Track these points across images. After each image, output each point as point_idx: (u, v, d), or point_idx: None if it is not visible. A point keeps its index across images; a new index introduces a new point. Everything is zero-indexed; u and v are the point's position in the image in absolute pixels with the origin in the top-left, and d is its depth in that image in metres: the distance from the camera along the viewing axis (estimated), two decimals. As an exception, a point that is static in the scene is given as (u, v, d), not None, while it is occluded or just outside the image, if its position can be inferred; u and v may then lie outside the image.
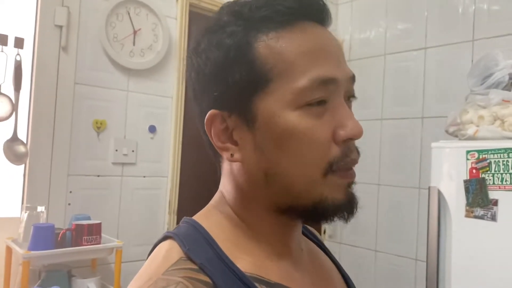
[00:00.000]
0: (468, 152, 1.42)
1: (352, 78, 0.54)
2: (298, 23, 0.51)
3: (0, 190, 1.63)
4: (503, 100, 1.52)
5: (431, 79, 2.23)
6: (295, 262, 0.57)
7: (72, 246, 1.52)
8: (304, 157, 0.50)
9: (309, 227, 0.73)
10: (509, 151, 1.33)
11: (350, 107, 0.55)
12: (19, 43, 1.61)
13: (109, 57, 1.82)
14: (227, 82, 0.52)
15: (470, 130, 1.52)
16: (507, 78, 1.59)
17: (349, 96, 0.55)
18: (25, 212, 1.52)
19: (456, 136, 1.62)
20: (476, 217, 1.38)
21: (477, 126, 1.51)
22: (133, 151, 1.90)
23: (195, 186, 2.12)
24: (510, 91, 1.56)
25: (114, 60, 1.83)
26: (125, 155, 1.87)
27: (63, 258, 1.50)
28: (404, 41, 2.37)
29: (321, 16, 0.54)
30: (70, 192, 1.73)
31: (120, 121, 1.87)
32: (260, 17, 0.51)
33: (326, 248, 0.70)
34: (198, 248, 0.51)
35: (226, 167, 0.58)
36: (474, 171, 1.40)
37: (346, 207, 0.53)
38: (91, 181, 1.79)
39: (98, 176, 1.81)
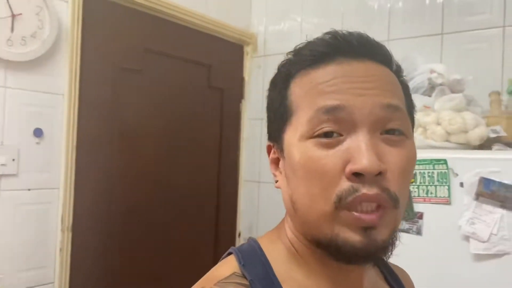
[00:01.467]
0: (393, 162, 1.36)
1: (383, 106, 0.51)
2: (328, 61, 0.54)
3: None
4: (424, 106, 1.48)
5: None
6: None
7: None
8: (314, 187, 0.51)
9: (398, 269, 0.71)
10: (435, 162, 1.28)
11: (391, 141, 0.51)
12: None
13: (-22, 46, 1.47)
14: (271, 117, 0.59)
15: (393, 137, 1.46)
16: (426, 83, 1.56)
17: (389, 129, 0.51)
18: None
19: (377, 142, 1.56)
20: (401, 231, 1.32)
21: (400, 133, 1.45)
22: (13, 159, 1.57)
23: (94, 197, 1.84)
24: (430, 96, 1.52)
25: (-14, 50, 1.49)
26: (3, 165, 1.55)
27: None
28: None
29: (358, 51, 0.54)
30: None
31: (-5, 124, 1.54)
32: (299, 58, 0.56)
33: None
34: (253, 265, 0.54)
35: None
36: (399, 182, 1.34)
37: (364, 253, 0.50)
38: (-43, 199, 1.45)
39: (-33, 192, 1.47)
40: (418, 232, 1.30)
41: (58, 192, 1.72)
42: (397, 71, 0.57)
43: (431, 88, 1.56)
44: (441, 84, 1.54)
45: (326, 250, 0.53)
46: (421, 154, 1.32)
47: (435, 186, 1.27)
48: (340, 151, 0.50)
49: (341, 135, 0.51)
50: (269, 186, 2.46)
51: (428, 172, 1.29)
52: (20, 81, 1.60)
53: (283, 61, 0.60)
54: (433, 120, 1.41)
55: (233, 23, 2.45)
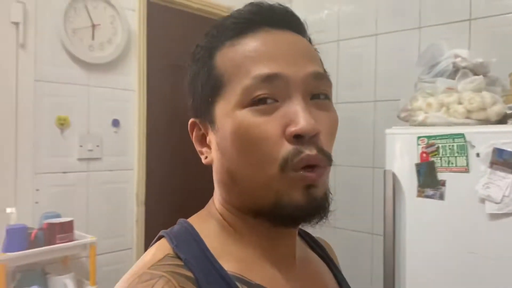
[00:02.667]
0: (418, 138, 1.55)
1: (313, 75, 0.53)
2: (254, 30, 0.54)
3: (-36, 193, 1.60)
4: (447, 88, 1.67)
5: (383, 64, 2.36)
6: (283, 268, 0.57)
7: (45, 245, 1.53)
8: (255, 154, 0.51)
9: (320, 238, 0.73)
10: (454, 136, 1.47)
11: (320, 105, 0.54)
12: (-27, 41, 1.56)
13: (68, 53, 1.80)
14: (196, 92, 0.57)
15: (420, 116, 1.66)
16: (451, 67, 1.74)
17: (316, 94, 0.54)
18: (-6, 214, 1.52)
19: (407, 121, 1.75)
20: (426, 196, 1.53)
21: (426, 112, 1.65)
22: (97, 146, 1.90)
23: (163, 177, 2.16)
24: (454, 79, 1.70)
25: (74, 55, 1.81)
26: (90, 150, 1.88)
27: (38, 258, 1.52)
28: (356, 27, 2.48)
29: (278, 21, 0.55)
30: (37, 190, 1.73)
31: (83, 116, 1.87)
32: (221, 30, 0.56)
33: (331, 262, 0.69)
34: (186, 245, 0.53)
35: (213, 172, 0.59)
36: (424, 155, 1.54)
37: (308, 212, 0.52)
38: (57, 178, 1.79)
39: (64, 172, 1.81)
40: (441, 197, 1.50)
41: (132, 173, 2.04)
42: (310, 41, 0.60)
43: (455, 72, 1.73)
44: (464, 68, 1.72)
45: (266, 217, 0.53)
46: (442, 130, 1.52)
47: (455, 157, 1.47)
48: (278, 116, 0.51)
49: (276, 101, 0.51)
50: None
51: (449, 145, 1.48)
52: (100, 80, 1.92)
53: (203, 38, 0.59)
54: (455, 100, 1.60)
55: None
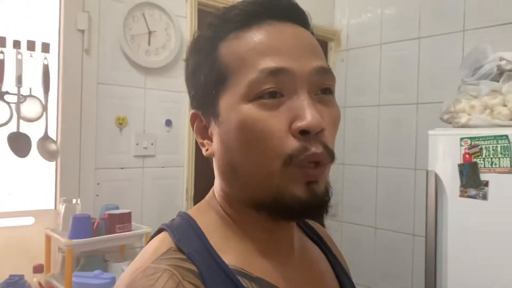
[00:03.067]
0: (461, 139, 1.59)
1: (319, 70, 0.53)
2: (259, 23, 0.53)
3: (35, 185, 1.77)
4: (492, 91, 1.69)
5: (425, 67, 2.38)
6: (282, 260, 0.58)
7: (106, 234, 1.67)
8: (259, 149, 0.51)
9: (314, 223, 0.73)
10: (498, 138, 1.50)
11: (324, 100, 0.54)
12: (45, 48, 1.72)
13: (127, 58, 1.95)
14: (198, 83, 0.56)
15: (463, 118, 1.69)
16: (495, 69, 1.76)
17: (320, 89, 0.54)
18: (62, 204, 1.67)
19: (450, 123, 1.78)
20: (469, 196, 1.56)
21: (469, 114, 1.68)
22: (152, 144, 2.04)
23: (210, 174, 2.27)
24: (498, 81, 1.72)
25: (132, 60, 1.95)
26: (145, 148, 2.02)
27: (99, 245, 1.66)
28: (399, 30, 2.51)
29: (283, 14, 0.54)
30: (98, 184, 1.88)
31: (139, 116, 2.01)
32: (224, 21, 0.55)
33: (327, 248, 0.69)
34: (188, 239, 0.53)
35: (213, 164, 0.60)
36: (467, 156, 1.57)
37: (310, 206, 0.52)
38: (116, 173, 1.94)
39: (122, 168, 1.96)
40: (484, 197, 1.53)
41: (183, 170, 2.17)
42: (313, 34, 0.58)
43: (499, 74, 1.75)
44: (509, 70, 1.73)
45: (267, 210, 0.53)
46: (485, 131, 1.55)
47: (499, 158, 1.50)
48: (284, 111, 0.51)
49: (282, 95, 0.51)
50: (353, 168, 2.73)
51: (493, 147, 1.51)
52: (155, 83, 2.06)
53: (203, 28, 0.58)
54: (500, 102, 1.62)
55: (318, 23, 2.75)
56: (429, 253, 1.65)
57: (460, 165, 1.59)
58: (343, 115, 2.77)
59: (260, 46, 0.52)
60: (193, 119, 0.59)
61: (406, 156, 2.45)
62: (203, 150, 0.58)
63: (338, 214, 2.82)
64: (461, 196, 1.58)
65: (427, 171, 1.66)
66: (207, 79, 0.55)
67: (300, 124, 0.50)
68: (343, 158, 2.78)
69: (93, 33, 1.85)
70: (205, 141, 0.58)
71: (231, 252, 0.54)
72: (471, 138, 1.56)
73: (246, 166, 0.53)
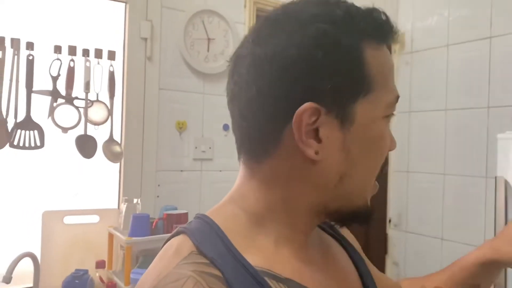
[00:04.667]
0: (534, 142, 1.46)
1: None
2: (385, 43, 0.56)
3: (101, 185, 1.87)
4: None
5: (497, 68, 2.23)
6: (309, 260, 0.57)
7: (164, 233, 1.72)
8: (378, 163, 0.57)
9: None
10: None
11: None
12: (111, 55, 1.83)
13: (187, 64, 2.01)
14: (328, 78, 0.50)
15: (537, 120, 1.55)
16: None
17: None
18: (124, 204, 1.75)
19: (523, 126, 1.65)
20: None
21: (545, 116, 1.54)
22: (210, 148, 2.09)
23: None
24: None
25: (192, 66, 2.02)
26: (203, 151, 2.07)
27: (157, 243, 1.71)
28: (468, 31, 2.37)
29: (394, 39, 0.56)
30: (158, 185, 1.95)
31: (198, 121, 2.06)
32: (365, 25, 0.52)
33: (345, 241, 0.70)
34: (209, 241, 0.51)
35: (275, 167, 0.55)
36: (541, 161, 1.44)
37: (370, 214, 0.59)
38: (175, 175, 2.00)
39: (181, 171, 2.02)
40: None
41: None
42: None
43: None
44: None
45: (342, 217, 0.58)
46: None
47: None
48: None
49: None
50: (418, 175, 2.61)
51: None
52: (213, 88, 2.11)
53: (336, 18, 0.52)
54: None
55: (381, 26, 2.68)
56: (499, 266, 1.53)
57: (533, 171, 1.46)
58: (408, 120, 2.67)
59: (389, 69, 0.56)
60: (307, 112, 0.50)
61: (476, 163, 2.29)
62: (309, 151, 0.51)
63: (402, 224, 2.70)
64: (534, 204, 1.45)
65: (496, 177, 1.54)
66: (346, 79, 0.51)
67: (392, 147, 0.59)
68: (407, 165, 2.67)
69: (155, 41, 1.94)
70: (313, 142, 0.51)
71: (257, 253, 0.52)
72: (546, 142, 1.43)
73: (359, 178, 0.55)
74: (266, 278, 0.50)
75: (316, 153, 0.52)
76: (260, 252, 0.52)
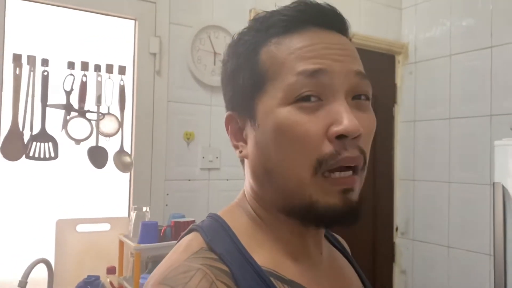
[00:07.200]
0: (530, 149, 1.49)
1: (357, 73, 0.53)
2: (301, 29, 0.54)
3: (111, 194, 1.95)
4: None
5: (499, 76, 2.26)
6: (312, 264, 0.58)
7: (172, 240, 1.79)
8: (294, 153, 0.51)
9: (336, 234, 0.73)
10: None
11: (361, 106, 0.54)
12: (122, 70, 1.91)
13: (194, 77, 2.09)
14: (236, 86, 0.57)
15: (534, 128, 1.58)
16: None
17: (357, 95, 0.54)
18: (134, 212, 1.82)
19: (521, 133, 1.68)
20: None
21: (541, 124, 1.57)
22: (217, 157, 2.15)
23: (272, 188, 2.32)
24: None
25: (199, 79, 2.09)
26: (210, 161, 2.13)
27: (166, 250, 1.77)
28: (470, 40, 2.41)
29: (326, 22, 0.55)
30: (167, 194, 2.02)
31: (205, 132, 2.13)
32: (267, 26, 0.56)
33: (351, 257, 0.70)
34: (219, 239, 0.53)
35: (245, 166, 0.61)
36: (536, 167, 1.48)
37: (344, 215, 0.52)
38: (183, 184, 2.07)
39: (189, 180, 2.08)
40: (557, 212, 1.42)
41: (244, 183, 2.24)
42: (350, 41, 0.59)
43: None
44: None
45: (299, 217, 0.54)
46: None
47: None
48: (322, 115, 0.51)
49: (320, 99, 0.51)
50: (424, 184, 2.63)
51: None
52: (220, 100, 2.17)
53: (244, 30, 0.59)
54: None
55: (385, 36, 2.73)
56: (498, 272, 1.55)
57: (529, 177, 1.49)
58: (413, 129, 2.71)
59: (299, 51, 0.52)
60: (228, 121, 0.61)
61: (481, 170, 2.31)
62: (237, 152, 0.59)
63: (409, 232, 2.72)
64: (531, 210, 1.48)
65: (493, 184, 1.57)
66: (246, 82, 0.56)
67: (337, 128, 0.50)
68: (413, 173, 2.69)
69: (164, 56, 2.02)
70: (240, 143, 0.59)
71: (263, 254, 0.54)
72: (541, 148, 1.47)
73: (279, 170, 0.53)
74: (271, 278, 0.52)
75: (240, 151, 0.59)
76: (266, 253, 0.54)
